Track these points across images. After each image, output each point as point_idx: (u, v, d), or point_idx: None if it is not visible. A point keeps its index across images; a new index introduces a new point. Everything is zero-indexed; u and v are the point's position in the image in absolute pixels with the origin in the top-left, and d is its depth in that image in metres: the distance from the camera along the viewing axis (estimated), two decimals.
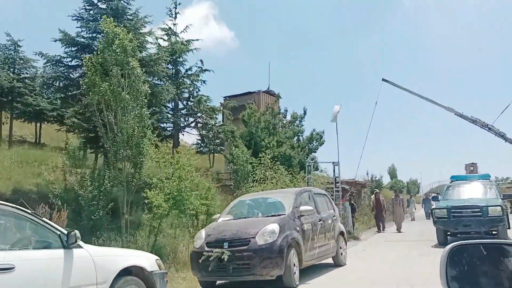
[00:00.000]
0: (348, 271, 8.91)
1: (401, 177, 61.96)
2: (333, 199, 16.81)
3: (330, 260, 9.55)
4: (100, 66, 11.58)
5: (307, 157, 23.01)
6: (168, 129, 20.12)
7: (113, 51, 11.60)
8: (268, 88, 32.99)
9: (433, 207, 14.82)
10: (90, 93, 11.53)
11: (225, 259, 6.95)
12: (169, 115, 19.72)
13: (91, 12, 16.28)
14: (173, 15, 21.11)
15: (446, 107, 17.25)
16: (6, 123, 21.73)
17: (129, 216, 11.75)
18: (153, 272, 5.26)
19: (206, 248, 7.32)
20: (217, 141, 24.65)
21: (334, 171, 17.64)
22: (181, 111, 20.44)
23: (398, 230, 18.97)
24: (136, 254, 5.51)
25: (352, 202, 18.82)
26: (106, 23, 11.62)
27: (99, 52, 11.81)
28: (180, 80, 20.16)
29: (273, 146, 21.41)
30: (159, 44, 20.14)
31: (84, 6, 16.22)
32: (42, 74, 18.08)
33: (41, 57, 15.43)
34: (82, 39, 15.43)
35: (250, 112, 23.84)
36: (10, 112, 21.46)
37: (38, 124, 24.79)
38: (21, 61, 21.69)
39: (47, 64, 15.99)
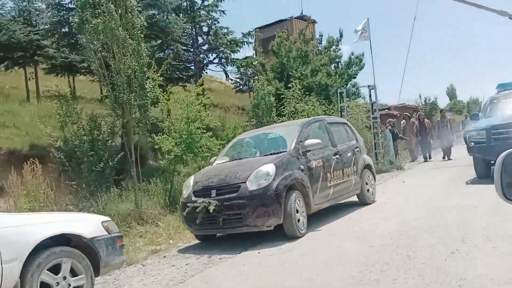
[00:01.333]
0: (373, 211, 7.54)
1: (461, 97, 57.64)
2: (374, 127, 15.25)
3: (355, 198, 8.23)
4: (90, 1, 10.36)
5: (346, 85, 21.09)
6: (191, 68, 18.83)
7: None
8: (301, 13, 30.40)
9: (469, 128, 11.41)
10: (81, 32, 10.47)
11: (212, 210, 5.84)
12: (189, 53, 18.31)
13: None
14: None
15: (498, 11, 14.40)
16: (32, 78, 21.45)
17: (138, 165, 10.89)
18: (94, 239, 4.22)
19: (193, 198, 6.24)
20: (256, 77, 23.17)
21: (370, 96, 15.77)
22: (201, 47, 18.95)
23: (447, 157, 16.66)
24: (74, 219, 4.46)
25: (393, 129, 16.88)
26: None
27: None
28: (196, 12, 18.47)
29: (307, 75, 19.66)
30: None
31: None
32: (46, 21, 17.17)
33: (41, 1, 14.39)
34: None
35: (279, 41, 21.98)
36: (34, 66, 21.08)
37: (72, 78, 24.49)
38: (36, 12, 20.90)
39: (49, 9, 14.97)
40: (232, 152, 7.37)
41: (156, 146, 11.65)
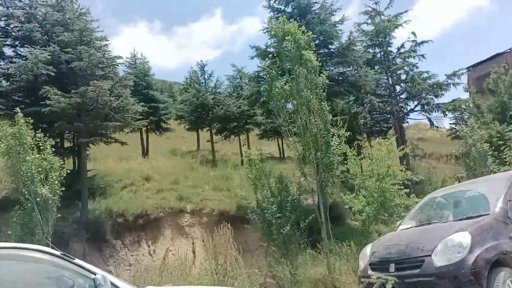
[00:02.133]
0: None
1: None
2: None
3: None
4: (276, 68, 10.98)
5: None
6: (390, 119, 17.79)
7: (285, 48, 10.86)
8: None
9: None
10: (270, 99, 11.09)
11: None
12: (386, 103, 17.41)
13: (280, 19, 15.97)
14: None
15: None
16: (245, 144, 23.83)
17: (328, 225, 10.39)
18: None
19: (369, 271, 5.30)
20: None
21: None
22: (400, 96, 17.77)
23: None
24: None
25: None
26: (272, 24, 11.07)
27: (274, 55, 11.28)
28: (392, 62, 17.63)
29: None
30: (361, 29, 18.33)
31: (273, 15, 16.07)
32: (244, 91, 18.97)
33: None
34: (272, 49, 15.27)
35: (495, 77, 19.12)
36: (246, 133, 23.51)
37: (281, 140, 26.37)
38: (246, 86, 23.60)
39: (245, 81, 16.54)
40: (420, 215, 6.13)
41: (346, 206, 11.00)
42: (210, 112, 21.70)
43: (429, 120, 17.06)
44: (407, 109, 18.08)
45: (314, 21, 14.35)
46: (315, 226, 10.84)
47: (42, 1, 14.43)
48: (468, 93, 22.85)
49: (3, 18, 13.45)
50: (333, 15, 15.33)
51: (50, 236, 9.04)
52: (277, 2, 15.68)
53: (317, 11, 15.38)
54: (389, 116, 17.39)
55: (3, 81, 13.03)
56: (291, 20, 13.82)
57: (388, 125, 18.04)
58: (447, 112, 16.26)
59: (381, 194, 9.84)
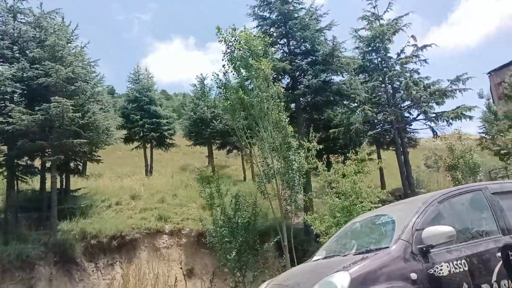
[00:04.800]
0: None
1: None
2: None
3: None
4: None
5: None
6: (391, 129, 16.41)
7: (237, 57, 10.18)
8: None
9: None
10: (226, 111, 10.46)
11: None
12: (381, 113, 16.10)
13: (265, 27, 15.16)
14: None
15: None
16: (248, 160, 22.97)
17: (292, 248, 9.39)
18: None
19: None
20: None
21: None
22: (400, 105, 16.40)
23: None
24: None
25: None
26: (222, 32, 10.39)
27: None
28: (391, 68, 16.35)
29: None
30: (358, 35, 17.21)
31: (258, 23, 15.28)
32: None
33: None
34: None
35: (511, 82, 17.54)
36: (249, 147, 22.66)
37: None
38: None
39: None
40: (333, 244, 5.01)
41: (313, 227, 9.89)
42: (209, 127, 21.02)
43: (432, 129, 15.55)
44: (410, 118, 16.66)
45: (295, 27, 13.42)
46: (299, 247, 9.91)
47: (21, 18, 14.32)
48: (486, 99, 21.16)
49: None
50: (319, 20, 14.36)
51: None
52: (261, 9, 14.90)
53: (301, 17, 14.47)
54: (388, 126, 16.00)
55: None
56: (274, 26, 13.02)
57: (386, 139, 16.69)
58: (450, 121, 14.73)
59: (345, 214, 8.70)
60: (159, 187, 17.63)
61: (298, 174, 9.39)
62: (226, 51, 10.05)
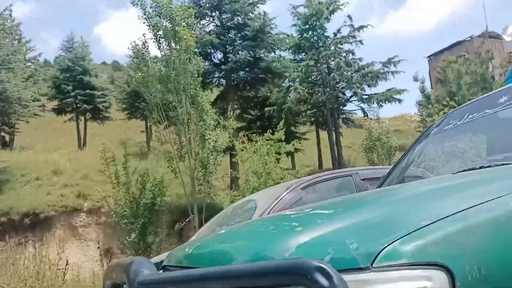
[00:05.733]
0: None
1: None
2: None
3: None
4: None
5: None
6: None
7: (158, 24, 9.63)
8: (486, 30, 24.43)
9: None
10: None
11: None
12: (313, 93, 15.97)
13: None
14: None
15: None
16: None
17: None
18: None
19: None
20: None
21: None
22: (335, 86, 16.33)
23: None
24: None
25: None
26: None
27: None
28: (326, 48, 16.16)
29: None
30: (297, 12, 16.84)
31: None
32: None
33: None
34: None
35: (444, 66, 17.86)
36: None
37: None
38: None
39: None
40: (206, 230, 4.71)
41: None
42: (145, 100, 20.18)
43: (363, 110, 15.66)
44: (343, 99, 16.66)
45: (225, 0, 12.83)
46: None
47: None
48: (420, 83, 21.59)
49: None
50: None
51: None
52: None
53: None
54: (321, 106, 15.92)
55: None
56: None
57: (324, 116, 16.62)
58: (380, 103, 14.86)
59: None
60: (87, 162, 16.78)
61: (215, 153, 9.03)
62: (142, 16, 9.34)
